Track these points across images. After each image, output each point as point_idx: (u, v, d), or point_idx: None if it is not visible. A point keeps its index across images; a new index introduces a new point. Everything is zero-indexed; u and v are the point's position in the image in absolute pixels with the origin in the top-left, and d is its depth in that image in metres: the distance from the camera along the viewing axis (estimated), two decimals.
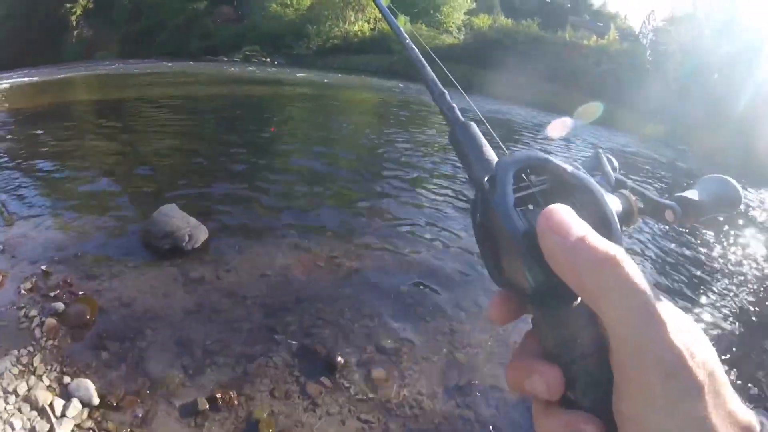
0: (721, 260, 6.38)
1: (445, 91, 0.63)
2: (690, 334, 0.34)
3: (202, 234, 4.40)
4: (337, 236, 5.05)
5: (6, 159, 6.95)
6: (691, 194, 0.55)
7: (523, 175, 0.43)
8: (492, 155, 0.52)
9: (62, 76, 19.88)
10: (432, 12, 34.52)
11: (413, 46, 0.75)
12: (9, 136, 8.60)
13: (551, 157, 0.43)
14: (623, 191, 0.52)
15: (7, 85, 17.03)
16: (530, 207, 0.41)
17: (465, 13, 35.70)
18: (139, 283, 3.79)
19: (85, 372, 2.88)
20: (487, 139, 0.54)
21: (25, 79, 19.04)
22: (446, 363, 3.43)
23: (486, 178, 0.44)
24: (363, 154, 8.69)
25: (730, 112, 18.26)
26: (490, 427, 2.95)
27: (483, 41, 28.93)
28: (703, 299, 5.12)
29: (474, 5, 36.44)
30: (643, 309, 0.33)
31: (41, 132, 8.70)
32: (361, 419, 2.81)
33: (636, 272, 0.34)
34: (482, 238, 0.42)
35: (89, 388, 2.70)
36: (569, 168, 0.42)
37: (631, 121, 19.96)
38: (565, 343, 0.38)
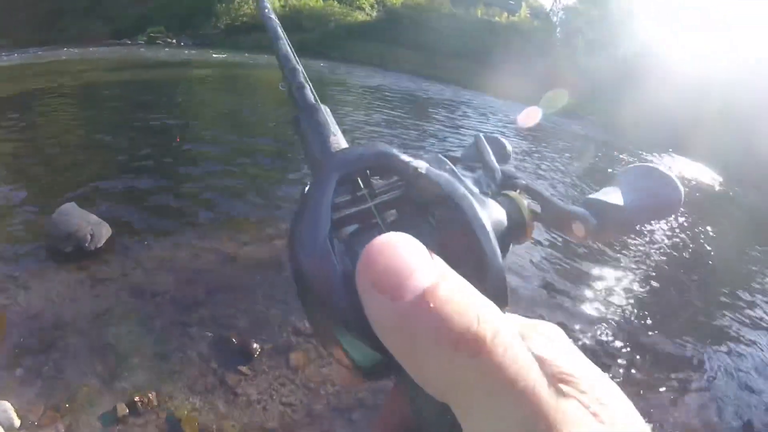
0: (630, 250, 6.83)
1: (299, 67, 0.55)
2: None
3: (104, 232, 4.23)
4: (247, 224, 5.02)
5: None
6: (611, 196, 0.40)
7: (360, 180, 0.31)
8: (340, 148, 0.41)
9: None
10: None
11: (271, 16, 0.71)
12: None
13: (397, 151, 0.32)
14: (510, 193, 0.38)
15: None
16: (373, 230, 0.30)
17: None
18: (45, 291, 3.64)
19: (2, 393, 2.78)
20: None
21: None
22: None
23: (306, 188, 0.31)
24: (273, 138, 8.58)
25: (634, 85, 19.61)
26: None
27: (395, 18, 29.03)
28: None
29: None
30: (521, 428, 0.21)
31: None
32: (283, 402, 2.88)
33: (513, 358, 0.21)
34: (294, 279, 0.30)
35: (8, 410, 2.60)
36: (422, 167, 0.30)
37: (540, 97, 20.87)
38: (428, 424, 0.28)
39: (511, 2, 35.44)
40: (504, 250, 0.30)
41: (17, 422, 2.60)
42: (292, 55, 0.59)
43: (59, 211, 4.29)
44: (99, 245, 4.14)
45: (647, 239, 6.77)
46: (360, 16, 30.66)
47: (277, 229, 4.93)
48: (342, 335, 0.26)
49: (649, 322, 4.76)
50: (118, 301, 3.60)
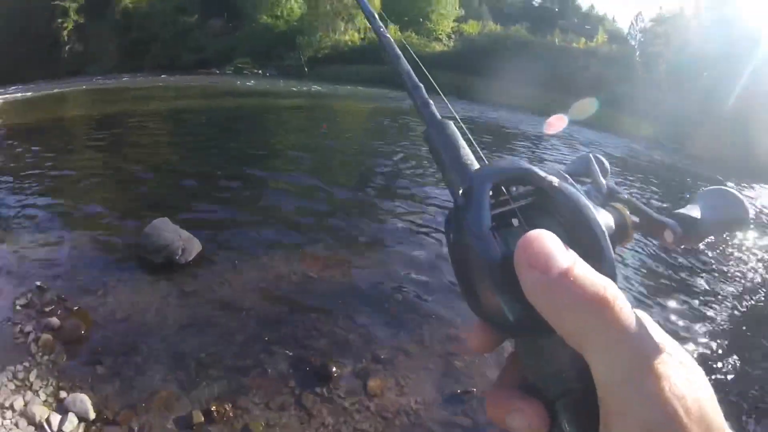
0: (720, 265, 6.37)
1: (421, 85, 0.60)
2: (688, 383, 0.29)
3: (195, 247, 4.42)
4: (331, 247, 5.07)
5: None
6: (693, 211, 0.48)
7: (503, 187, 0.39)
8: (471, 161, 0.47)
9: (55, 91, 19.87)
10: (422, 20, 34.67)
11: (388, 35, 0.71)
12: (1, 153, 8.60)
13: (535, 167, 0.39)
14: (616, 205, 0.46)
15: (0, 101, 17.02)
16: (514, 224, 0.38)
17: (454, 21, 35.90)
18: (133, 298, 3.81)
19: (81, 387, 2.89)
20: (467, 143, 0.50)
21: (18, 94, 19.02)
22: (443, 371, 3.43)
23: (461, 191, 0.40)
24: (357, 165, 8.72)
25: (721, 111, 18.41)
26: None
27: (472, 48, 29.07)
28: (700, 311, 5.10)
29: (463, 12, 36.65)
30: (633, 360, 0.29)
31: (34, 148, 8.70)
32: (356, 429, 2.81)
33: (627, 314, 0.30)
34: (456, 260, 0.38)
35: (85, 402, 2.71)
36: (555, 181, 0.38)
37: (622, 123, 20.12)
38: (548, 377, 0.35)
39: (587, 27, 34.79)
40: (612, 246, 0.37)
41: (92, 415, 2.69)
42: (413, 74, 0.63)
43: (152, 224, 4.52)
44: (189, 259, 4.33)
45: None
46: (438, 47, 30.99)
47: (359, 256, 4.97)
48: (501, 294, 0.33)
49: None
50: (203, 313, 3.69)
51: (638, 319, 0.31)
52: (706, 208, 0.49)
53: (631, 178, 10.74)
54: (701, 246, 6.36)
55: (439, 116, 0.54)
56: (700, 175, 13.22)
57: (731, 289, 5.58)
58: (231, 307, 3.78)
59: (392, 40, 0.69)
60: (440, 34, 34.31)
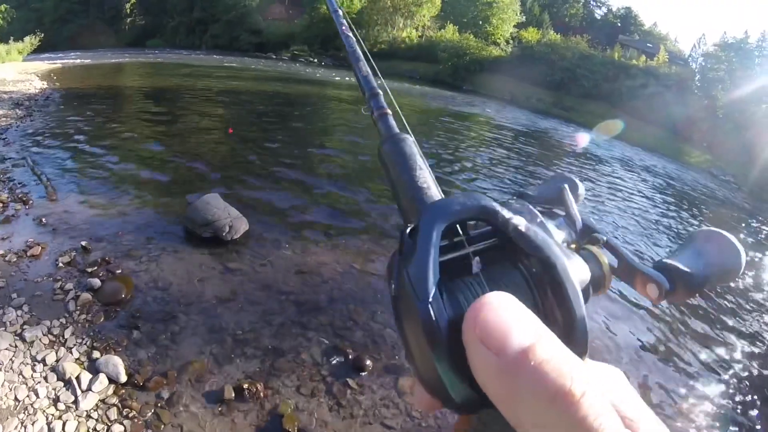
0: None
1: (380, 92, 0.55)
2: None
3: (242, 226, 4.41)
4: (376, 239, 5.02)
5: (53, 136, 7.14)
6: (683, 262, 0.42)
7: (459, 226, 0.33)
8: (428, 186, 0.41)
9: (114, 60, 20.47)
10: (481, 23, 34.38)
11: (348, 33, 0.69)
12: (58, 114, 8.84)
13: (497, 205, 0.33)
14: (592, 248, 0.41)
15: (59, 65, 17.60)
16: (472, 266, 0.32)
17: (514, 26, 35.48)
18: (176, 268, 3.81)
19: (115, 349, 2.89)
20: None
21: (77, 61, 19.67)
22: None
23: (408, 229, 0.33)
24: None
25: None
26: None
27: (530, 55, 28.62)
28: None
29: (524, 18, 36.19)
30: None
31: (90, 112, 8.95)
32: (384, 424, 2.75)
33: (596, 414, 0.24)
34: (397, 317, 0.31)
35: (117, 365, 2.70)
36: (521, 224, 0.32)
37: (675, 147, 19.53)
38: None
39: (649, 45, 33.93)
40: (585, 301, 0.32)
41: (123, 378, 2.68)
42: (373, 77, 0.58)
43: (203, 198, 4.56)
44: (235, 237, 4.33)
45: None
46: (495, 51, 30.65)
47: None
48: (443, 371, 0.28)
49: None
50: (244, 291, 3.66)
51: (612, 416, 0.24)
52: (697, 257, 0.43)
53: (675, 206, 10.43)
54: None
55: (396, 129, 0.48)
56: (745, 209, 12.79)
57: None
58: (272, 289, 3.75)
59: (354, 38, 0.67)
60: (499, 38, 33.94)
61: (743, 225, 10.87)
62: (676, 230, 8.26)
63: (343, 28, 0.71)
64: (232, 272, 3.87)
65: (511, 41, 33.80)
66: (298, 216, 5.26)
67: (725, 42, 26.05)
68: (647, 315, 4.80)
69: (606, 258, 0.40)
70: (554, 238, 0.34)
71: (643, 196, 10.28)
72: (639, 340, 4.42)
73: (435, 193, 0.41)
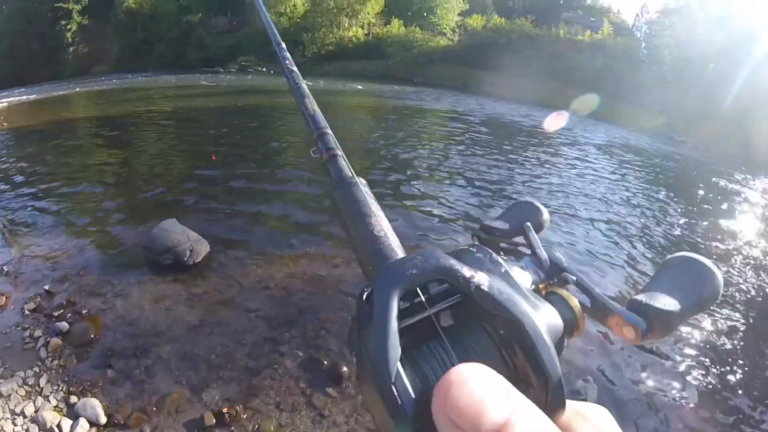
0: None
1: (330, 132, 0.53)
2: None
3: (203, 248, 4.40)
4: (339, 246, 5.02)
5: (5, 179, 6.96)
6: (657, 298, 0.40)
7: (418, 289, 0.32)
8: (384, 234, 0.40)
9: (60, 93, 19.95)
10: (426, 15, 34.57)
11: (293, 68, 0.67)
12: (8, 156, 8.63)
13: (456, 264, 0.32)
14: (561, 293, 0.39)
15: (5, 104, 17.10)
16: (438, 323, 0.31)
17: (459, 15, 35.76)
18: (142, 300, 3.79)
19: (92, 391, 2.88)
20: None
21: (23, 97, 19.13)
22: None
23: (365, 293, 0.32)
24: (364, 161, 8.67)
25: (727, 102, 18.38)
26: None
27: (477, 41, 28.93)
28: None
29: (467, 6, 36.48)
30: None
31: (40, 150, 8.75)
32: (368, 428, 2.80)
33: None
34: (362, 386, 0.31)
35: (96, 407, 2.70)
36: (483, 282, 0.31)
37: (629, 115, 20.00)
38: None
39: (592, 19, 34.54)
40: (559, 352, 0.31)
41: (103, 419, 2.69)
42: (320, 116, 0.57)
43: (160, 225, 4.51)
44: (197, 260, 4.30)
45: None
46: (442, 42, 30.89)
47: None
48: None
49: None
50: (213, 314, 3.67)
51: None
52: (673, 289, 0.41)
53: (635, 172, 10.76)
54: None
55: (347, 172, 0.47)
56: (704, 166, 13.22)
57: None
58: (240, 308, 3.76)
59: (298, 73, 0.65)
60: (445, 28, 34.19)
61: (691, 179, 11.25)
62: (645, 207, 8.50)
63: (287, 62, 0.70)
64: (199, 297, 3.86)
65: (457, 30, 34.10)
66: (259, 231, 5.25)
67: (667, 8, 26.75)
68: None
69: (576, 300, 0.38)
70: (520, 287, 0.33)
71: (608, 174, 10.49)
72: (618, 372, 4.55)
73: (392, 243, 0.40)
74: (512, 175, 8.96)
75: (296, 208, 6.05)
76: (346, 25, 34.15)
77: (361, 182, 0.46)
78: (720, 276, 0.42)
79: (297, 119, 12.25)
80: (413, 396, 0.27)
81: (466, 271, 0.31)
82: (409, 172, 8.04)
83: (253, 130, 10.80)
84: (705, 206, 8.75)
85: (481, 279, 0.31)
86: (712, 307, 4.79)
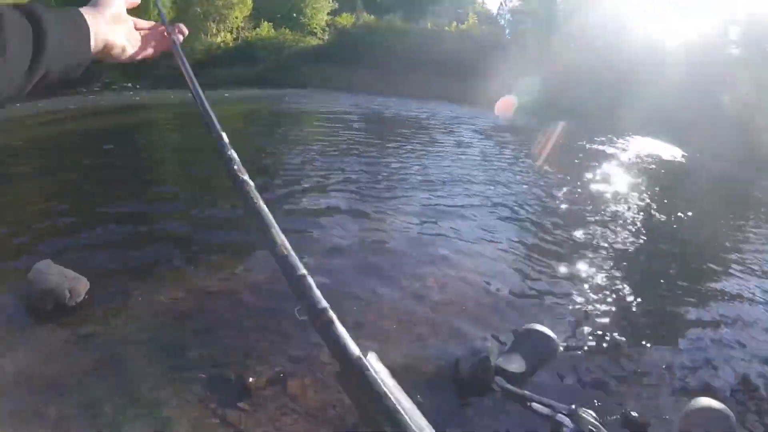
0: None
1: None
2: None
3: (83, 285, 4.14)
4: (222, 260, 4.98)
5: None
6: (512, 364, 0.43)
7: None
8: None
9: None
10: (295, 15, 34.43)
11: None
12: None
13: None
14: None
15: None
16: None
17: (328, 14, 36.00)
18: (28, 355, 3.50)
19: None
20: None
21: None
22: None
23: None
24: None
25: (586, 76, 20.26)
26: None
27: (348, 39, 29.33)
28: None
29: (336, 5, 36.81)
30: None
31: None
32: None
33: None
34: None
35: None
36: None
37: (496, 99, 21.33)
38: None
39: (459, 11, 36.22)
40: None
41: None
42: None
43: (34, 268, 4.17)
44: (79, 300, 4.05)
45: (626, 217, 7.09)
46: (312, 41, 30.95)
47: (251, 262, 4.92)
48: None
49: (634, 293, 5.13)
50: (106, 354, 3.49)
51: None
52: (520, 354, 0.41)
53: (509, 148, 11.77)
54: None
55: (353, 347, 0.42)
56: (575, 136, 14.66)
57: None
58: (133, 341, 3.62)
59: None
60: (315, 28, 34.28)
61: (580, 152, 12.35)
62: (521, 180, 9.21)
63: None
64: (88, 338, 3.65)
65: (327, 29, 34.34)
66: (138, 256, 5.00)
67: None
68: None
69: None
70: None
71: (491, 155, 11.15)
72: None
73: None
74: (397, 168, 9.31)
75: (172, 227, 5.85)
76: (214, 30, 33.12)
77: (373, 359, 0.44)
78: (554, 338, 0.45)
79: (169, 132, 11.73)
80: None
81: None
82: (286, 180, 8.09)
83: (122, 152, 10.10)
84: (579, 171, 9.80)
85: None
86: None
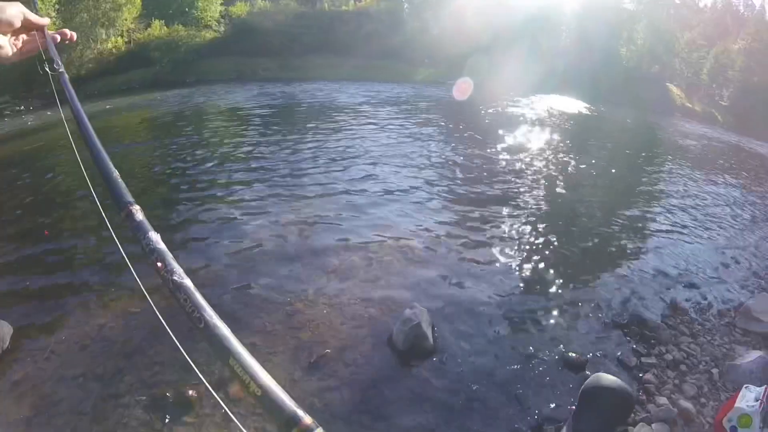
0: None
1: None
2: None
3: (6, 331, 3.99)
4: (139, 275, 4.85)
5: None
6: None
7: None
8: None
9: None
10: (187, 10, 33.02)
11: (90, 130, 0.67)
12: None
13: None
14: None
15: None
16: None
17: (222, 4, 34.79)
18: None
19: None
20: None
21: None
22: (294, 346, 3.75)
23: None
24: (146, 182, 8.28)
25: (485, 44, 21.03)
26: (344, 391, 3.37)
27: (244, 29, 28.57)
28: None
29: None
30: None
31: None
32: None
33: None
34: None
35: None
36: None
37: (405, 72, 21.65)
38: None
39: None
40: None
41: None
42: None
43: None
44: (5, 346, 3.90)
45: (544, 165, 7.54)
46: (208, 35, 29.83)
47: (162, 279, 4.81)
48: None
49: (559, 238, 5.73)
50: (43, 397, 3.41)
51: None
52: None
53: (415, 115, 12.16)
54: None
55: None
56: (478, 99, 15.26)
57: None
58: (67, 378, 3.55)
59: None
60: (209, 21, 33.05)
61: (483, 115, 12.78)
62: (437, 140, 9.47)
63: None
64: (21, 384, 3.54)
65: (222, 20, 33.21)
66: (52, 290, 4.79)
67: None
68: None
69: None
70: None
71: (404, 128, 11.33)
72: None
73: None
74: (311, 152, 9.34)
75: (89, 251, 5.64)
76: (104, 36, 31.24)
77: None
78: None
79: (64, 154, 10.86)
80: None
81: None
82: (203, 184, 7.96)
83: (18, 179, 9.34)
84: (493, 131, 10.25)
85: None
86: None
